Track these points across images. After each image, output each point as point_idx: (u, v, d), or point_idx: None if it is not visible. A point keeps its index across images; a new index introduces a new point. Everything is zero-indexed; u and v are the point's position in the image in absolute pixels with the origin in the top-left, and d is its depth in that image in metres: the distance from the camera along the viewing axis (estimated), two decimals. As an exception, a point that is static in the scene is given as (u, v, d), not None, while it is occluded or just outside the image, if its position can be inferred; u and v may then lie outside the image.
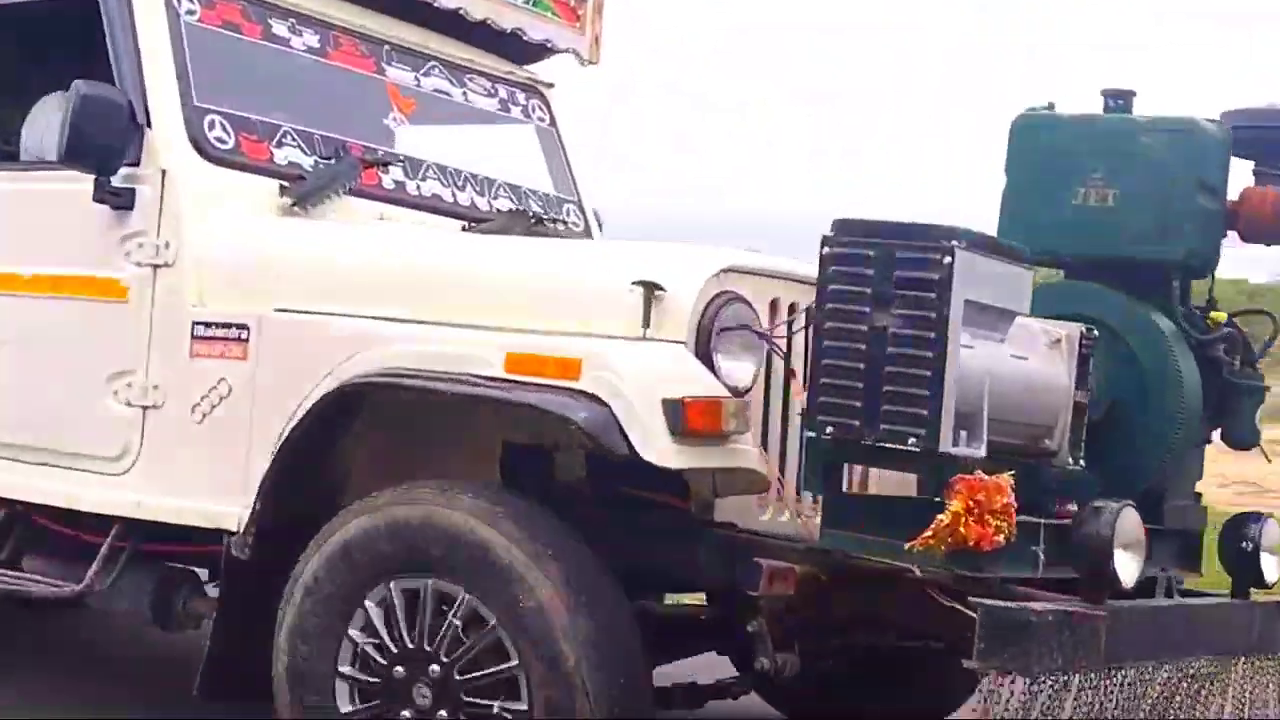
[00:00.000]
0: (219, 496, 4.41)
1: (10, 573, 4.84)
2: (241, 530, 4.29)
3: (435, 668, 3.88)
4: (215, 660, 4.35)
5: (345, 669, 4.03)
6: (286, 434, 4.22)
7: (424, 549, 3.90)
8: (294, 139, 5.01)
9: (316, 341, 4.29)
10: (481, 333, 4.06)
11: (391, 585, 3.95)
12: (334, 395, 4.14)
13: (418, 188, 5.37)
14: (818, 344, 3.77)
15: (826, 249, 3.75)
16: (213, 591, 4.85)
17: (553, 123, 6.18)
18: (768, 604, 3.93)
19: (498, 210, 5.58)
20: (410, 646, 3.92)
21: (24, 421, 4.88)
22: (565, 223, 5.90)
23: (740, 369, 4.03)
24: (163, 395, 4.57)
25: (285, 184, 4.85)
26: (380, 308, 4.27)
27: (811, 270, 4.40)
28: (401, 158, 5.34)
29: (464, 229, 5.35)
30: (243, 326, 4.43)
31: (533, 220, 5.55)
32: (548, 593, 3.71)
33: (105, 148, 4.61)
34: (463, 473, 4.30)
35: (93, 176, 4.64)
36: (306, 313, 4.38)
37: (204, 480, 4.46)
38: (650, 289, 3.95)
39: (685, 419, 3.75)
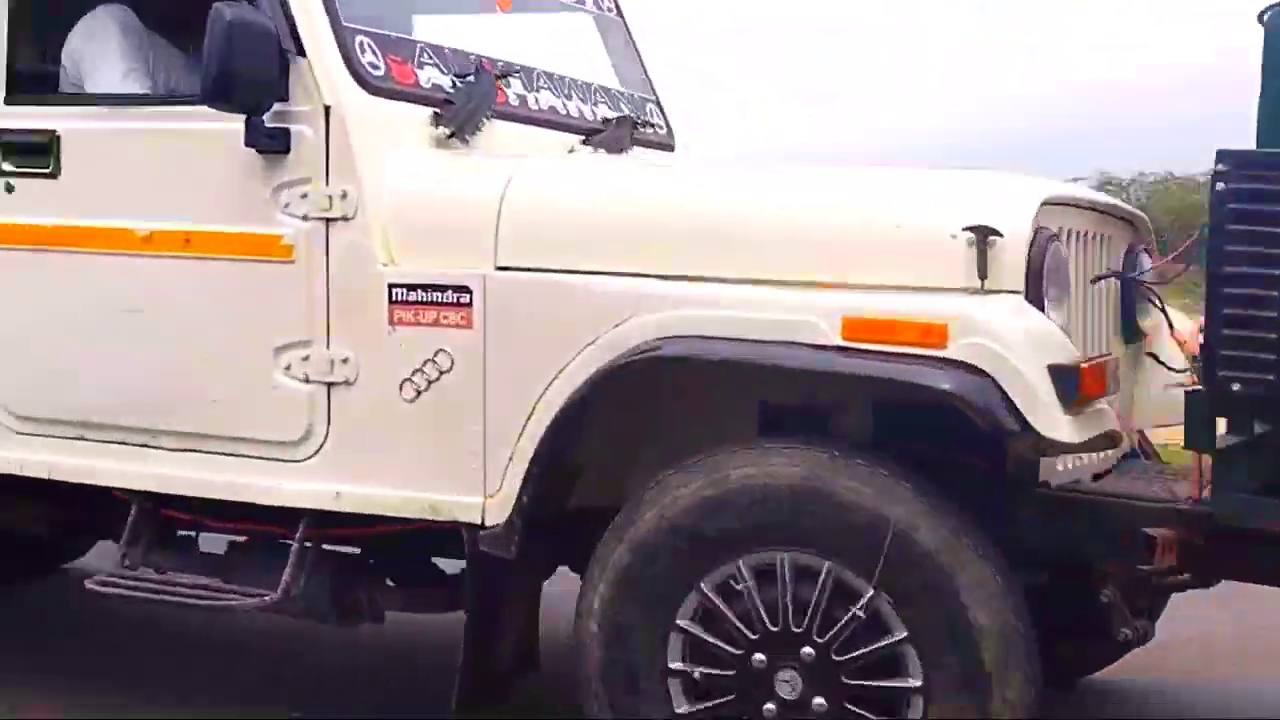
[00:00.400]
0: (448, 485, 3.85)
1: (202, 584, 4.18)
2: (501, 524, 3.76)
3: (807, 652, 3.47)
4: (471, 669, 3.84)
5: (677, 665, 3.60)
6: (556, 411, 3.67)
7: (794, 519, 3.47)
8: (430, 56, 4.36)
9: (571, 305, 3.73)
10: (798, 292, 3.56)
11: (742, 563, 3.51)
12: (614, 367, 3.61)
13: (536, 100, 4.77)
14: (1215, 289, 3.40)
15: (1221, 184, 3.37)
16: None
17: (619, 12, 5.60)
18: (1123, 571, 3.60)
19: (603, 119, 5.00)
20: (761, 633, 3.51)
21: (163, 402, 4.18)
22: (654, 125, 5.36)
23: (1062, 317, 3.64)
24: (354, 369, 3.95)
25: (438, 111, 4.22)
26: (642, 263, 3.73)
27: (1110, 200, 4.06)
28: (518, 68, 4.71)
29: (583, 143, 4.79)
30: (462, 289, 3.83)
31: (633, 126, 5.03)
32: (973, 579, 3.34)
33: (256, 83, 3.91)
34: (711, 437, 3.80)
35: (242, 117, 3.95)
36: (543, 270, 3.81)
37: (423, 467, 3.88)
38: (983, 234, 3.50)
39: (1080, 385, 3.36)
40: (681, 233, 3.77)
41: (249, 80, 3.88)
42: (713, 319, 3.58)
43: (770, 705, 3.50)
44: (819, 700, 3.47)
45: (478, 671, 3.87)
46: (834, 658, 3.45)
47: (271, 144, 3.97)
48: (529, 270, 3.83)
